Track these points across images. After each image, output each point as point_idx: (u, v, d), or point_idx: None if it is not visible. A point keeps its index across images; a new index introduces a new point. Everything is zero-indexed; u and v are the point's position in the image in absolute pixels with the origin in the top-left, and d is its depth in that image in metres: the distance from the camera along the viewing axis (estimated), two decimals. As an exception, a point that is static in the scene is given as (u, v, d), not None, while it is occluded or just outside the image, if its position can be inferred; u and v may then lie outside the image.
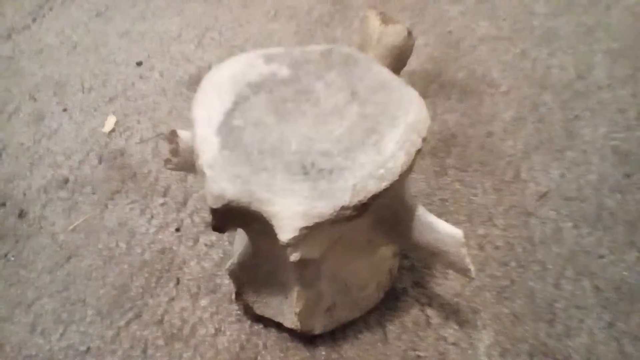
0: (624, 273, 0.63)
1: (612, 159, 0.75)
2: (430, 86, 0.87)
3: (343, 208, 0.43)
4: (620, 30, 0.93)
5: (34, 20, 1.11)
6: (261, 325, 0.62)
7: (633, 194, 0.70)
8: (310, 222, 0.42)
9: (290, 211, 0.42)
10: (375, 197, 0.43)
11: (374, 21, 0.64)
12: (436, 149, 0.78)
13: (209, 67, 0.95)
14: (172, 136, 0.58)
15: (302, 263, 0.48)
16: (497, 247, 0.66)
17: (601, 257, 0.65)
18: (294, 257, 0.44)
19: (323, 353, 0.59)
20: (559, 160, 0.75)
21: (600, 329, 0.59)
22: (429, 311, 0.62)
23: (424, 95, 0.85)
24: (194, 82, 0.92)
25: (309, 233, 0.43)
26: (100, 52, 1.01)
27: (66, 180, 0.80)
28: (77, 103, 0.92)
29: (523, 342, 0.58)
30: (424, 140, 0.45)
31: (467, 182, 0.73)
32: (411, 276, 0.65)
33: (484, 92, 0.85)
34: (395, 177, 0.43)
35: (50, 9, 1.13)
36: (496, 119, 0.81)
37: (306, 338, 0.60)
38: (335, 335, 0.60)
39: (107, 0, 1.14)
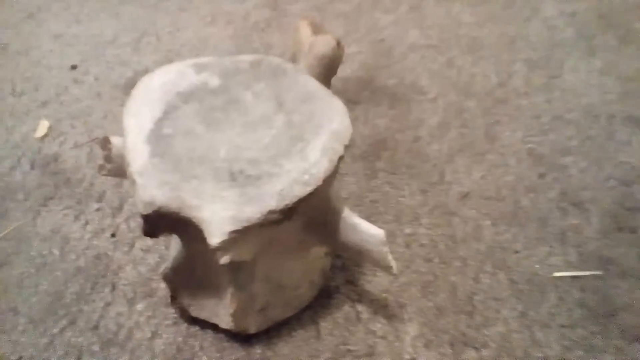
0: (536, 266, 0.68)
1: (528, 161, 0.81)
2: (363, 92, 0.91)
3: (270, 212, 0.45)
4: (538, 41, 1.01)
5: (-40, 20, 1.07)
6: (197, 328, 0.63)
7: (545, 193, 0.76)
8: (238, 226, 0.44)
9: (219, 216, 0.44)
10: (300, 202, 0.46)
11: (305, 31, 0.67)
12: (367, 152, 0.82)
13: (146, 71, 0.95)
14: (105, 142, 0.59)
15: (235, 265, 0.50)
16: (422, 245, 0.71)
17: (516, 252, 0.70)
18: (224, 260, 0.46)
19: (258, 351, 0.61)
20: (480, 163, 0.80)
21: (514, 318, 0.64)
22: (360, 307, 0.65)
23: (356, 101, 0.89)
24: (130, 86, 0.92)
25: (238, 236, 0.45)
26: (31, 55, 0.99)
27: (-4, 187, 0.78)
28: (8, 107, 0.89)
29: (445, 333, 0.62)
30: (347, 147, 0.48)
31: (396, 184, 0.78)
32: (343, 274, 0.68)
33: (412, 99, 0.90)
34: (319, 182, 0.46)
35: (-22, 10, 1.09)
36: (423, 124, 0.86)
37: (242, 338, 0.62)
38: (270, 333, 0.62)
39: (39, 1, 1.11)
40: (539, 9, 1.08)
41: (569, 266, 0.68)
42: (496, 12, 1.07)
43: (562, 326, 0.63)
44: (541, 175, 0.79)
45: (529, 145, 0.83)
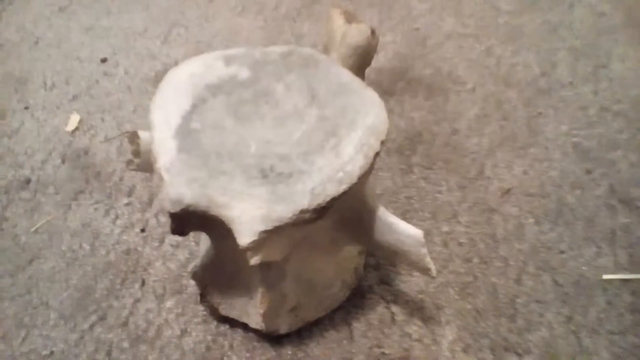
0: (583, 268, 0.65)
1: (573, 155, 0.76)
2: (398, 83, 0.88)
3: (302, 211, 0.43)
4: (583, 29, 0.95)
5: (-6, 14, 1.08)
6: (227, 326, 0.61)
7: (592, 190, 0.72)
8: (269, 226, 0.42)
9: (249, 215, 0.42)
10: (334, 200, 0.43)
11: (338, 20, 0.64)
12: (402, 146, 0.79)
13: (175, 64, 0.94)
14: (133, 137, 0.57)
15: (265, 265, 0.48)
16: (460, 244, 0.67)
17: (561, 252, 0.66)
18: (254, 260, 0.44)
19: (289, 352, 0.59)
20: (522, 157, 0.76)
21: (559, 323, 0.60)
22: (394, 308, 0.62)
23: (391, 92, 0.86)
24: (160, 79, 0.90)
25: (269, 237, 0.43)
26: (63, 48, 0.99)
27: (28, 181, 0.78)
28: (40, 101, 0.90)
29: (485, 337, 0.59)
30: (383, 143, 0.46)
31: (432, 180, 0.74)
32: (377, 274, 0.65)
33: (450, 89, 0.86)
34: (354, 180, 0.44)
35: (11, 3, 1.10)
36: (461, 117, 0.82)
37: (272, 338, 0.60)
38: (302, 334, 0.60)
39: (70, -6, 1.11)
40: (584, -6, 1.02)
41: (619, 268, 0.64)
42: (538, -1, 1.02)
43: (612, 333, 0.59)
44: (588, 171, 0.74)
45: (575, 139, 0.78)
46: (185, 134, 0.46)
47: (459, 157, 0.77)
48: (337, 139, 0.45)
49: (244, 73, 0.50)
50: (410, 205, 0.72)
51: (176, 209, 0.43)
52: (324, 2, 1.04)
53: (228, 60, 0.51)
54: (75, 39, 1.00)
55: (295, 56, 0.52)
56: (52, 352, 0.61)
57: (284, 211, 0.42)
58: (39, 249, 0.70)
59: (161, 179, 0.44)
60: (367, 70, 0.67)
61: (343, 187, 0.43)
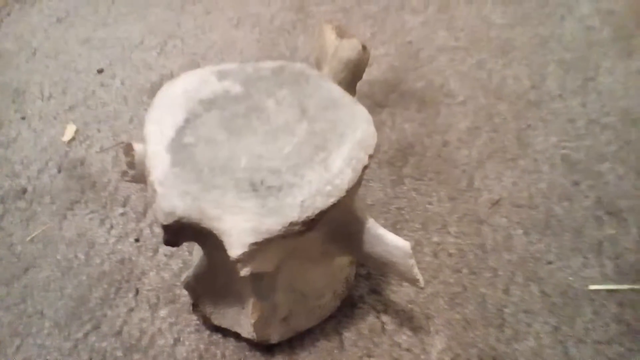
0: (570, 278, 0.66)
1: (562, 167, 0.78)
2: (390, 96, 0.89)
3: (292, 224, 0.44)
4: (573, 41, 0.97)
5: (-8, 25, 1.09)
6: (220, 335, 0.62)
7: (580, 202, 0.73)
8: (259, 238, 0.43)
9: (240, 227, 0.43)
10: (323, 213, 0.44)
11: (330, 35, 0.65)
12: (394, 158, 0.80)
13: (171, 75, 0.95)
14: (128, 149, 0.58)
15: (256, 275, 0.49)
16: (450, 254, 0.68)
17: (549, 262, 0.67)
18: (245, 272, 0.45)
19: (280, 361, 0.60)
20: (512, 169, 0.78)
21: (546, 332, 0.61)
22: (384, 318, 0.63)
23: (383, 104, 0.87)
24: (156, 91, 0.92)
25: (259, 248, 0.44)
26: (60, 59, 1.00)
27: (24, 190, 0.79)
28: (36, 111, 0.91)
29: (473, 347, 0.60)
30: (371, 157, 0.47)
31: (423, 191, 0.75)
32: (368, 284, 0.66)
33: (441, 102, 0.88)
34: (343, 194, 0.45)
35: (9, 14, 1.11)
36: (452, 129, 0.83)
37: (264, 347, 0.61)
38: (293, 343, 0.61)
39: (67, 5, 1.12)
40: (574, 8, 1.04)
41: (606, 279, 0.65)
42: (528, 12, 1.04)
43: (598, 342, 0.60)
44: (576, 183, 0.76)
45: (563, 151, 0.80)
46: (178, 148, 0.47)
47: (449, 168, 0.78)
48: (326, 153, 0.46)
49: (236, 88, 0.51)
50: (401, 216, 0.73)
51: (169, 221, 0.44)
52: (318, 16, 1.06)
53: (221, 76, 0.52)
54: (73, 50, 1.02)
55: (287, 72, 0.53)
56: (46, 361, 0.62)
57: (274, 224, 0.43)
58: (35, 258, 0.71)
59: (154, 191, 0.45)
60: (360, 83, 0.68)
61: (332, 200, 0.44)
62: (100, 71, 0.96)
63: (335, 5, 1.08)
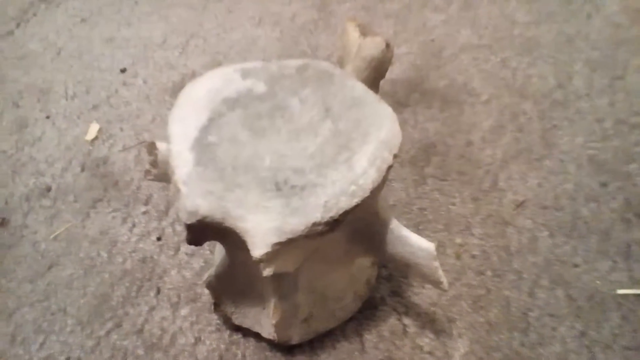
0: (597, 282, 0.64)
1: (589, 168, 0.76)
2: (412, 94, 0.88)
3: (315, 224, 0.43)
4: (600, 40, 0.95)
5: (18, 25, 1.10)
6: (240, 335, 0.62)
7: (608, 203, 0.71)
8: (282, 238, 0.43)
9: (263, 227, 0.43)
10: (346, 213, 0.44)
11: (353, 33, 0.64)
12: (416, 157, 0.79)
13: (193, 74, 0.95)
14: (151, 148, 0.59)
15: (278, 276, 0.49)
16: (473, 256, 0.67)
17: (575, 266, 0.66)
18: (267, 272, 0.45)
19: (301, 362, 0.60)
20: (537, 170, 0.76)
21: (572, 337, 0.60)
22: (406, 320, 0.62)
23: (405, 103, 0.86)
24: (178, 90, 0.92)
25: (282, 248, 0.44)
26: (84, 59, 1.01)
27: (49, 189, 0.80)
28: (61, 110, 0.92)
29: (497, 351, 0.59)
30: (396, 157, 0.46)
31: (446, 191, 0.74)
32: (389, 285, 0.65)
33: (464, 101, 0.86)
34: (367, 194, 0.44)
35: (34, 15, 1.13)
36: (476, 128, 0.82)
37: (284, 348, 0.61)
38: (314, 344, 0.61)
39: (91, 6, 1.14)
40: (601, 5, 1.01)
41: (634, 283, 0.64)
42: (553, 10, 1.02)
43: (626, 348, 0.58)
44: (603, 184, 0.74)
45: (590, 151, 0.78)
46: (202, 147, 0.47)
47: (473, 168, 0.77)
48: (350, 153, 0.46)
49: (260, 87, 0.51)
50: (423, 217, 0.72)
51: (192, 220, 0.44)
52: (340, 14, 1.05)
53: (245, 74, 0.52)
54: (96, 50, 1.03)
55: (311, 70, 0.52)
56: (68, 358, 0.62)
57: (297, 224, 0.43)
58: (58, 256, 0.71)
59: (178, 190, 0.45)
60: (382, 82, 0.68)
61: (355, 200, 0.44)
62: (123, 70, 0.97)
63: (356, 3, 1.07)
